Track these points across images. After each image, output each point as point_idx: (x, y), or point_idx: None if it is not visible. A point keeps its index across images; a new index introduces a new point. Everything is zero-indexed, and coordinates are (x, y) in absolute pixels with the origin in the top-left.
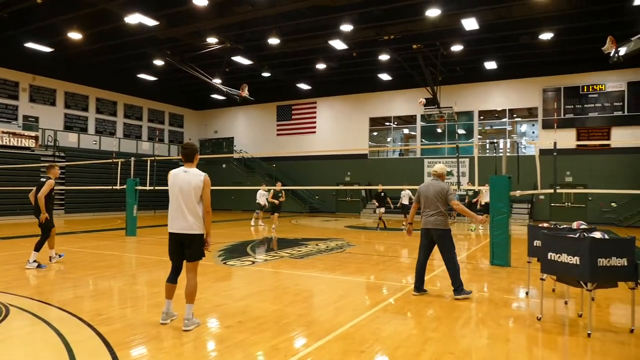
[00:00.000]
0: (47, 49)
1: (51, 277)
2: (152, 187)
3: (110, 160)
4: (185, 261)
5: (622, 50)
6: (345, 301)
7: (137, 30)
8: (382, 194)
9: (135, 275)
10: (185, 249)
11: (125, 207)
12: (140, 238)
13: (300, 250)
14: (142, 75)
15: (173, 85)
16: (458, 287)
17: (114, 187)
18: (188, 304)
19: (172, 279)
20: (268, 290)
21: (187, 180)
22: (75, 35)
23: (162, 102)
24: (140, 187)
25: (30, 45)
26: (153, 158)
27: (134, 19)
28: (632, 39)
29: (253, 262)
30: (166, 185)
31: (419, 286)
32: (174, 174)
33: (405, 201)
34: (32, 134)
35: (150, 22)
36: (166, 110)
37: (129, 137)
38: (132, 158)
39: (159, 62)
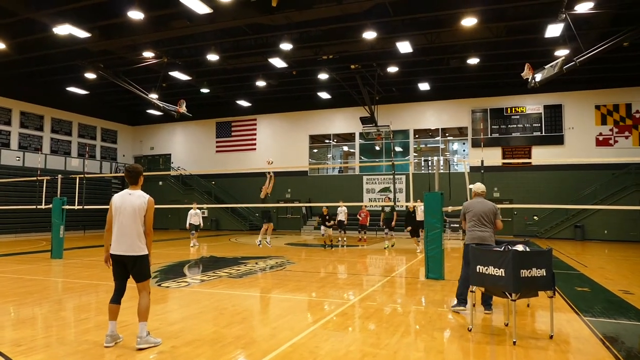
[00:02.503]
0: None
1: None
2: (81, 207)
3: (35, 178)
4: (135, 282)
5: (538, 77)
6: (284, 320)
7: (66, 41)
8: (327, 215)
9: (61, 301)
10: (131, 270)
11: (51, 228)
12: (67, 261)
13: (239, 269)
14: (72, 89)
15: (106, 100)
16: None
17: (38, 207)
18: (141, 322)
19: (116, 299)
20: (204, 312)
21: (131, 202)
22: None
23: (94, 116)
24: (68, 207)
25: None
26: (83, 175)
27: (64, 30)
28: (546, 66)
29: (189, 284)
30: (98, 204)
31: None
32: (119, 196)
33: (342, 217)
34: None
35: (82, 33)
36: (98, 125)
37: (56, 153)
38: (59, 175)
39: (90, 75)
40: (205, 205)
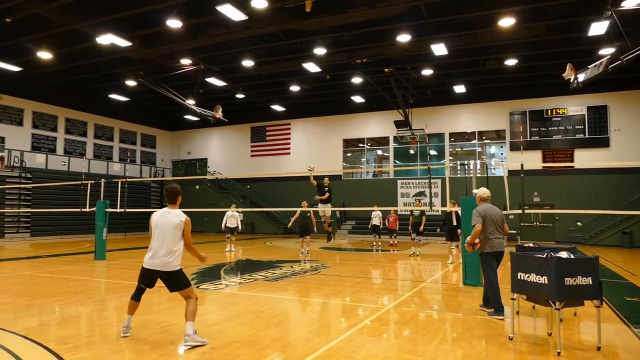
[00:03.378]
0: (15, 68)
1: (16, 304)
2: (122, 209)
3: (80, 182)
4: (177, 292)
5: (581, 77)
6: (319, 324)
7: (109, 50)
8: (327, 187)
9: (104, 301)
10: (166, 283)
11: (95, 230)
12: (109, 262)
13: (274, 273)
14: (113, 96)
15: (146, 106)
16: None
17: (82, 209)
18: (188, 322)
19: (136, 297)
20: (241, 315)
21: (170, 220)
22: (44, 55)
23: (134, 122)
24: (110, 209)
25: None
26: (124, 179)
27: (107, 39)
28: (589, 66)
29: (226, 286)
30: (138, 207)
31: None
32: (159, 214)
33: (376, 222)
34: None
35: (123, 43)
36: (138, 130)
37: (99, 157)
38: (102, 179)
39: (131, 83)
40: (240, 209)
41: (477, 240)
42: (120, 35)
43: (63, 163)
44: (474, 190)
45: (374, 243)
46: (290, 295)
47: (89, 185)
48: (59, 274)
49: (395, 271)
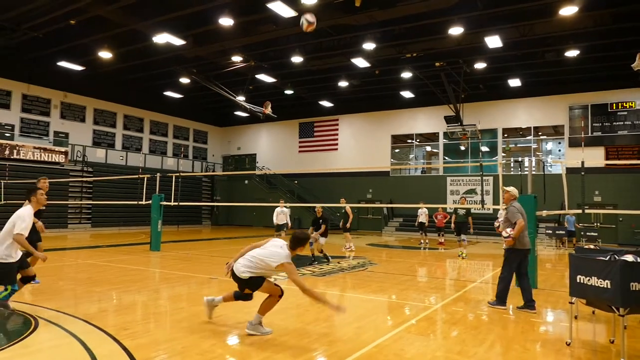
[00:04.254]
0: (79, 68)
1: (77, 291)
2: (176, 203)
3: (137, 176)
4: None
5: None
6: (367, 320)
7: (164, 49)
8: (320, 219)
9: (158, 290)
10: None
11: (150, 222)
12: (164, 253)
13: (322, 268)
14: (168, 93)
15: (198, 103)
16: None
17: (139, 202)
18: (258, 314)
19: (236, 294)
20: (290, 308)
21: (278, 253)
22: (105, 55)
23: (187, 118)
24: (164, 203)
25: (62, 64)
26: (178, 174)
27: (162, 38)
28: None
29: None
30: (190, 201)
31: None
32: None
33: (422, 219)
34: (62, 149)
35: (178, 41)
36: (191, 127)
37: (154, 152)
38: (158, 174)
39: (184, 80)
40: (287, 204)
41: (510, 237)
42: (175, 34)
43: (121, 157)
44: (507, 188)
45: (422, 241)
46: (337, 290)
47: (145, 179)
48: (118, 263)
49: (443, 270)
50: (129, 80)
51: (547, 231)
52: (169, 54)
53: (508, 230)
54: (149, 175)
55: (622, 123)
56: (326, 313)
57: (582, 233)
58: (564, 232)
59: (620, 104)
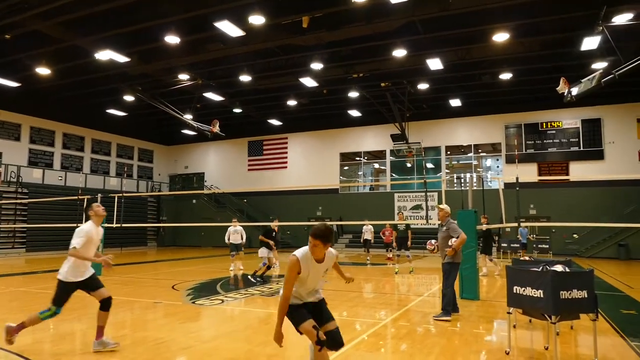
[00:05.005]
0: (14, 84)
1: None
2: (119, 225)
3: (76, 197)
4: None
5: (575, 91)
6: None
7: (107, 66)
8: (274, 232)
9: None
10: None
11: None
12: (105, 277)
13: (271, 288)
14: (111, 111)
15: (143, 121)
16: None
17: (78, 225)
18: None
19: None
20: (238, 331)
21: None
22: (43, 71)
23: (131, 137)
24: (106, 225)
25: None
26: (121, 194)
27: (105, 55)
28: (582, 80)
29: (222, 301)
30: (135, 222)
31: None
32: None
33: (368, 236)
34: None
35: (122, 58)
36: (135, 145)
37: (96, 172)
38: (99, 194)
39: (129, 98)
40: (238, 223)
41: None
42: (119, 51)
43: (60, 178)
44: (442, 206)
45: (368, 257)
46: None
47: (85, 200)
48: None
49: (391, 285)
50: (69, 98)
51: (502, 244)
52: (112, 70)
53: (452, 240)
54: (89, 196)
55: (551, 141)
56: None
57: (535, 245)
58: (518, 244)
59: (549, 123)
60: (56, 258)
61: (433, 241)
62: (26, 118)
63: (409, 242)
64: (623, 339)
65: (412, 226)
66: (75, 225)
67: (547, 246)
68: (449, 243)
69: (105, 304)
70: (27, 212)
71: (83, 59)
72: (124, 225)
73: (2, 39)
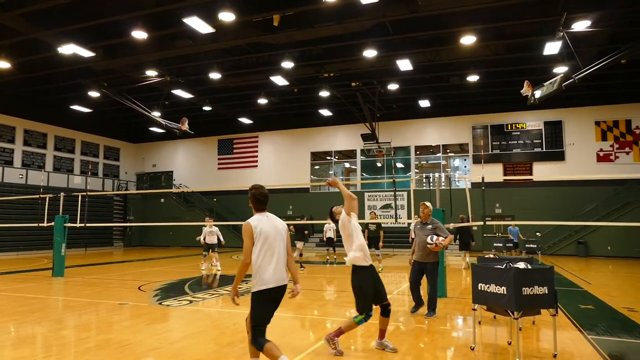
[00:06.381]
0: None
1: None
2: (82, 224)
3: (37, 196)
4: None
5: (538, 93)
6: (286, 339)
7: (71, 60)
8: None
9: (61, 320)
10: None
11: (53, 246)
12: (68, 279)
13: (240, 287)
14: (75, 107)
15: (109, 118)
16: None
17: (40, 224)
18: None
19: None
20: (206, 331)
21: (278, 227)
22: (2, 64)
23: (96, 134)
24: (70, 224)
25: None
26: (85, 193)
27: (68, 49)
28: (545, 83)
29: (190, 302)
30: (100, 222)
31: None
32: (264, 221)
33: (330, 234)
34: None
35: (86, 53)
36: (101, 142)
37: (59, 170)
38: (62, 193)
39: (94, 94)
40: (209, 222)
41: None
42: (83, 46)
43: (21, 176)
44: (427, 203)
45: (328, 257)
46: None
47: (47, 199)
48: (13, 292)
49: None
50: (30, 93)
51: (496, 244)
52: (76, 65)
53: (440, 238)
54: (51, 195)
55: (516, 142)
56: (242, 334)
57: (525, 245)
58: (511, 244)
59: (514, 124)
60: (16, 259)
61: (434, 237)
62: None
63: (380, 243)
64: (581, 333)
65: (369, 227)
66: (36, 224)
67: (535, 246)
68: (431, 241)
69: (385, 311)
70: None
71: (45, 53)
72: (88, 225)
73: None
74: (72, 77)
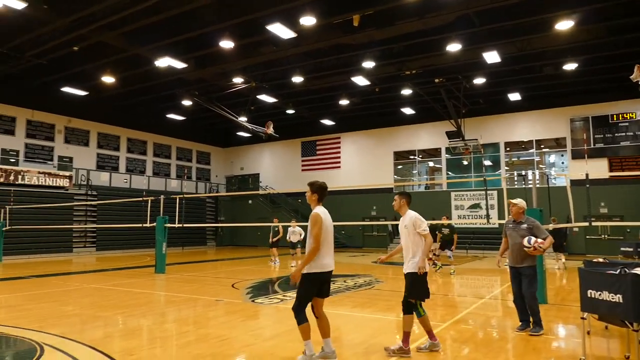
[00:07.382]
0: (82, 93)
1: (83, 316)
2: (180, 225)
3: (141, 199)
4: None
5: None
6: (376, 340)
7: (166, 72)
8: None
9: (164, 313)
10: (328, 286)
11: (155, 245)
12: (169, 275)
13: None
14: (171, 115)
15: (200, 124)
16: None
17: (144, 225)
18: (327, 339)
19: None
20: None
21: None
22: (108, 79)
23: (189, 140)
24: (169, 225)
25: (66, 89)
26: (181, 196)
27: (164, 62)
28: None
29: (281, 300)
30: (195, 222)
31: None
32: (324, 213)
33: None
34: (67, 173)
35: (179, 64)
36: (193, 148)
37: (158, 175)
38: (162, 196)
39: (187, 102)
40: (293, 223)
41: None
42: (176, 58)
43: (125, 180)
44: (515, 201)
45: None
46: (344, 310)
47: (149, 201)
48: (123, 286)
49: (449, 286)
50: (131, 104)
51: (624, 248)
52: (170, 77)
53: (539, 240)
54: (152, 198)
55: (624, 134)
56: (333, 334)
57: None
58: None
59: (621, 115)
60: (123, 257)
61: (532, 239)
62: (94, 124)
63: (453, 247)
64: None
65: (470, 226)
66: (140, 225)
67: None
68: (529, 243)
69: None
70: (96, 213)
71: (143, 67)
72: (185, 225)
73: (71, 51)
74: (168, 87)
